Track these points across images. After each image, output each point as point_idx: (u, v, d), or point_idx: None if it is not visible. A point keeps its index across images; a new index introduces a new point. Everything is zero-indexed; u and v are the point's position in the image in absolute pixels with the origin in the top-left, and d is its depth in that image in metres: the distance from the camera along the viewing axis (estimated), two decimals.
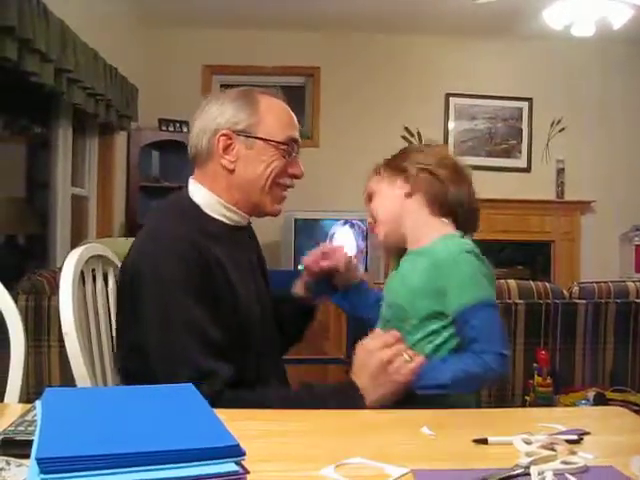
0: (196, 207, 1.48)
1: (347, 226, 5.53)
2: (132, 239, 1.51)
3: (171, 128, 5.58)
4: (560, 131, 6.18)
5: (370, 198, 1.61)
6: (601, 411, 1.60)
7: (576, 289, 3.23)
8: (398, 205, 1.53)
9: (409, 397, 1.33)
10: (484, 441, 1.01)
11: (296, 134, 1.52)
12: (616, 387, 3.10)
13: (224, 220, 1.50)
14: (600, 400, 2.93)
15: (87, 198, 4.80)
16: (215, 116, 1.47)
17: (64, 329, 1.39)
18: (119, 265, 1.61)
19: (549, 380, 2.96)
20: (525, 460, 0.91)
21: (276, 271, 3.76)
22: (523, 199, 5.66)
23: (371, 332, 1.40)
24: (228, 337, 1.36)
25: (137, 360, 1.37)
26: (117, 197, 5.10)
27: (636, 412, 1.31)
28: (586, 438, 1.04)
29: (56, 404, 0.85)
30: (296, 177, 1.53)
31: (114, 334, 1.58)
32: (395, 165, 1.56)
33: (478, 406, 1.56)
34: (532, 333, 3.06)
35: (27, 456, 0.78)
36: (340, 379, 1.51)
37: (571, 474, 0.89)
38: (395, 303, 1.51)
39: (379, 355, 1.32)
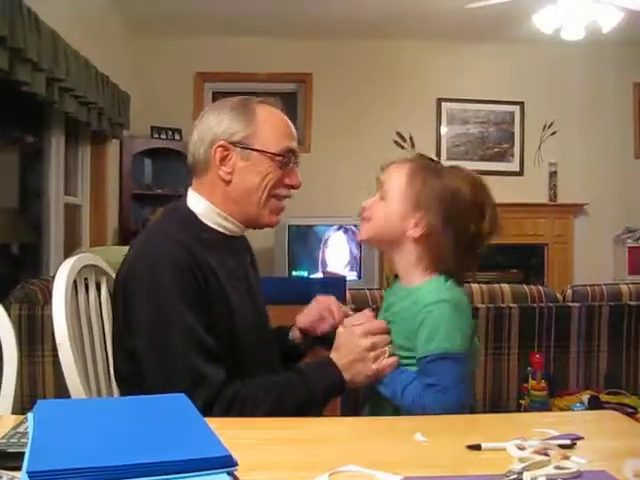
0: (193, 215, 1.48)
1: (341, 231, 5.53)
2: (125, 248, 1.51)
3: (163, 136, 5.59)
4: (552, 134, 6.21)
5: (381, 188, 1.47)
6: (595, 415, 1.60)
7: (570, 292, 3.25)
8: (400, 233, 1.43)
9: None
10: (477, 447, 1.01)
11: (293, 144, 1.51)
12: (610, 389, 3.10)
13: (220, 229, 1.50)
14: (595, 403, 2.93)
15: (80, 206, 4.80)
16: (212, 126, 1.47)
17: (57, 340, 1.38)
18: (112, 274, 1.61)
19: (543, 384, 2.96)
20: (518, 466, 0.91)
21: (270, 278, 3.76)
22: (516, 202, 5.67)
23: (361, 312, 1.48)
24: (220, 343, 1.36)
25: (133, 365, 1.37)
26: (110, 205, 5.10)
27: (631, 414, 1.31)
28: (579, 443, 1.04)
29: (48, 416, 0.85)
30: (293, 187, 1.52)
31: (108, 343, 1.57)
32: (420, 189, 1.41)
33: (472, 411, 1.56)
34: (526, 337, 3.06)
35: (19, 468, 0.77)
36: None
37: (564, 479, 0.89)
38: (388, 312, 1.51)
39: (362, 341, 1.39)
